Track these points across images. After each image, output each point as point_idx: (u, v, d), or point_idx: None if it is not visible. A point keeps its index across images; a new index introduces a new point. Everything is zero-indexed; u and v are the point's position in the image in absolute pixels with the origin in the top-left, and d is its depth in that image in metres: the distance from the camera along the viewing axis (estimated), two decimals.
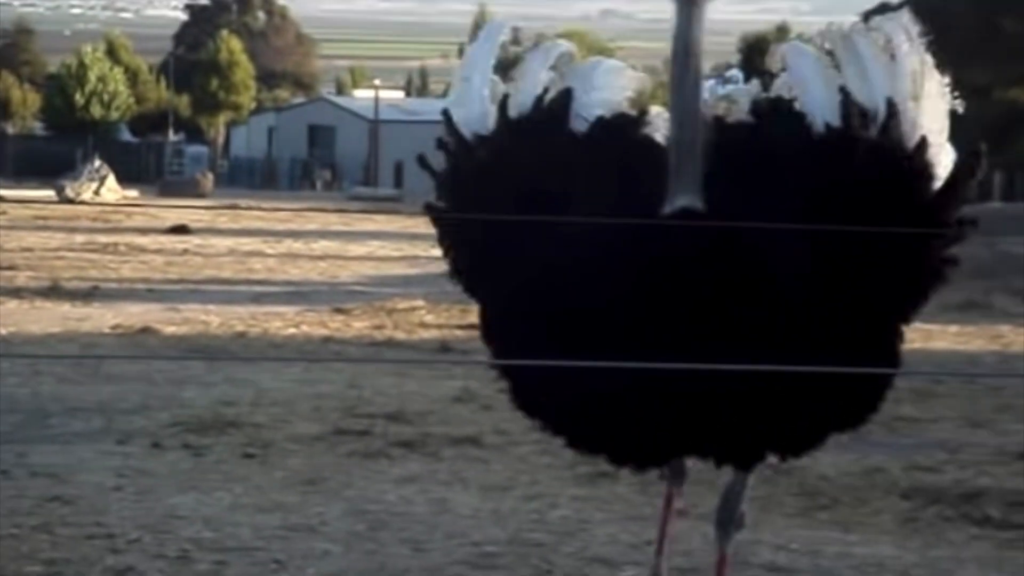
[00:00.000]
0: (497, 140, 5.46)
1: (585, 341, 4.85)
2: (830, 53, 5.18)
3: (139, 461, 8.60)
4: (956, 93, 5.24)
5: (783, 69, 5.30)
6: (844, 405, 5.02)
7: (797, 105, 5.17)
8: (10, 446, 8.85)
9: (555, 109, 5.44)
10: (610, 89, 5.59)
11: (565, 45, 5.77)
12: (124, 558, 6.50)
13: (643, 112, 5.41)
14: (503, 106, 5.48)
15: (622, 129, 5.38)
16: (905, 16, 5.22)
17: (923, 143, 5.00)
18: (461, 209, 5.43)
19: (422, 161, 5.74)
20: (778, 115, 5.20)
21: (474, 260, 5.42)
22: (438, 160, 5.64)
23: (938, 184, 5.04)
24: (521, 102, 5.48)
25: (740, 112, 5.27)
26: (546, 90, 5.50)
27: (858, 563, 6.72)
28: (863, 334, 4.92)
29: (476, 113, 5.54)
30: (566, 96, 5.44)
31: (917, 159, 5.00)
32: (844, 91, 5.04)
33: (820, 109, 5.07)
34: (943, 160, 5.12)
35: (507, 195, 5.23)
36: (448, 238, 5.58)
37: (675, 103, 4.87)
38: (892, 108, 5.01)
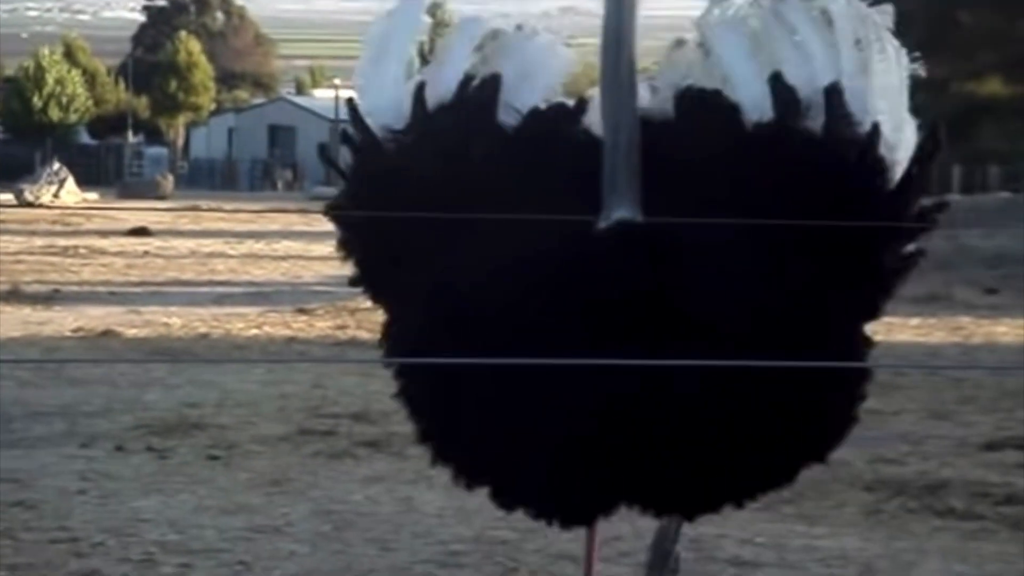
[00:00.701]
0: (411, 138, 4.67)
1: (507, 374, 4.16)
2: (759, 27, 4.57)
3: (103, 464, 8.57)
4: (913, 85, 4.65)
5: (705, 49, 4.63)
6: (807, 432, 4.42)
7: (726, 93, 4.51)
8: None
9: (480, 100, 4.65)
10: (546, 71, 4.80)
11: (493, 19, 4.89)
12: (88, 562, 6.47)
13: (582, 100, 4.59)
14: (419, 96, 4.66)
15: (558, 123, 4.61)
16: None
17: (875, 130, 4.41)
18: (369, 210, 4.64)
19: (323, 153, 4.99)
20: (704, 108, 4.52)
21: (382, 274, 4.70)
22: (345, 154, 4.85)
23: (896, 172, 4.46)
24: (441, 91, 4.69)
25: (663, 102, 4.58)
26: (469, 77, 4.69)
27: (823, 556, 6.75)
28: (821, 346, 4.31)
29: (388, 103, 4.73)
30: (493, 83, 4.66)
31: (869, 150, 4.42)
32: (776, 76, 4.43)
33: (751, 98, 4.45)
34: (905, 136, 4.53)
35: (421, 204, 4.44)
36: (352, 245, 4.79)
37: (607, 101, 4.25)
38: (835, 91, 4.42)
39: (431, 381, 4.43)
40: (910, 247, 4.59)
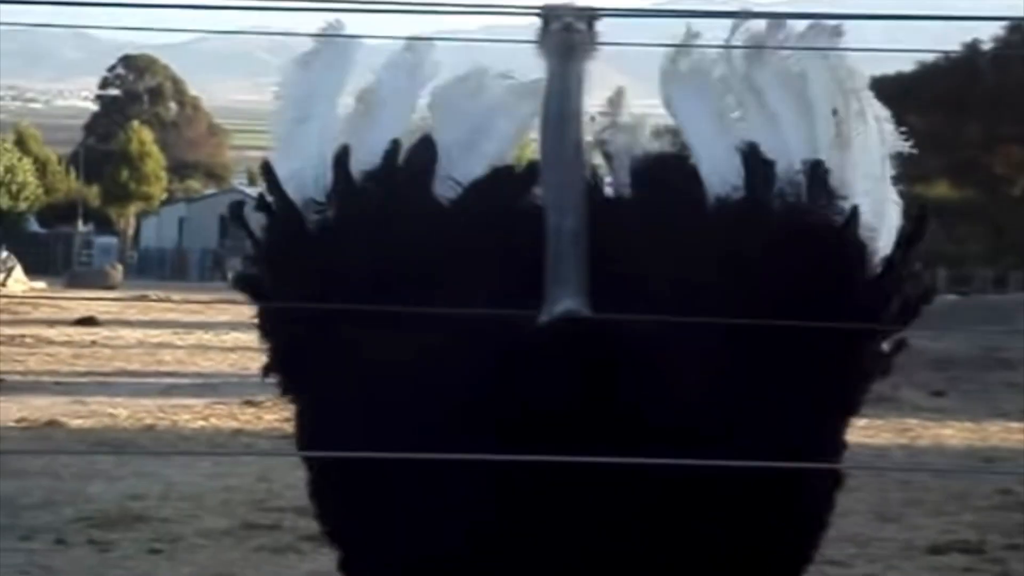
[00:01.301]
0: (334, 210, 4.17)
1: (430, 486, 3.75)
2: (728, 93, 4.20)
3: (43, 558, 8.49)
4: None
5: (671, 116, 4.25)
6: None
7: (689, 164, 4.13)
8: None
9: (413, 169, 4.17)
10: (494, 136, 4.32)
11: (433, 66, 4.34)
12: None
13: (534, 166, 4.08)
14: (341, 161, 4.17)
15: (502, 197, 4.15)
16: (820, 42, 4.13)
17: (854, 213, 4.00)
18: (283, 292, 4.21)
19: (236, 215, 4.39)
20: (664, 181, 4.17)
21: (295, 360, 4.24)
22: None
23: (876, 255, 4.06)
24: (369, 154, 4.20)
25: (619, 173, 4.22)
26: (395, 144, 4.16)
27: None
28: (786, 451, 3.86)
29: (310, 167, 4.23)
30: (428, 150, 4.19)
31: (846, 234, 4.02)
32: (746, 146, 4.03)
33: (717, 171, 4.06)
34: (887, 219, 4.16)
35: (345, 288, 4.01)
36: (267, 325, 4.33)
37: (550, 182, 3.79)
38: (811, 165, 4.02)
39: (353, 481, 3.98)
40: (891, 341, 4.22)
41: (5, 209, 73.67)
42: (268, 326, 4.34)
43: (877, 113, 4.23)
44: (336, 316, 4.01)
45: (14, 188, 74.74)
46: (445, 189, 4.18)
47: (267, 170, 4.30)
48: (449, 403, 3.77)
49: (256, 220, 4.36)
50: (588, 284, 3.69)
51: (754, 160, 4.02)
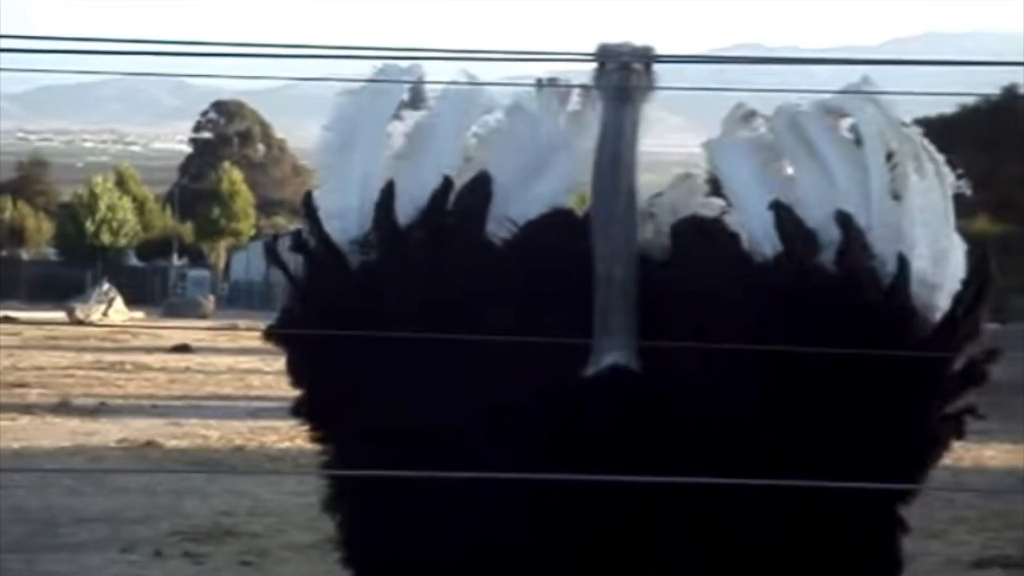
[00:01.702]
0: (378, 250, 3.72)
1: (478, 533, 3.49)
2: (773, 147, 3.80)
3: (142, 569, 8.54)
4: None
5: (713, 175, 3.90)
6: None
7: (730, 222, 3.76)
8: (20, 555, 8.78)
9: (466, 208, 3.71)
10: (555, 173, 3.82)
11: (490, 95, 3.88)
12: None
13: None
14: (386, 199, 3.70)
15: (561, 239, 3.68)
16: (870, 87, 3.71)
17: (904, 268, 3.55)
18: (321, 337, 3.79)
19: (271, 253, 3.99)
20: (704, 240, 3.75)
21: (334, 406, 3.92)
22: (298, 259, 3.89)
23: (935, 315, 3.61)
24: (418, 190, 3.74)
25: (659, 232, 3.81)
26: (447, 182, 3.66)
27: None
28: (841, 530, 3.60)
29: (352, 204, 3.76)
30: (481, 186, 3.71)
31: (897, 292, 3.57)
32: (778, 204, 3.59)
33: (761, 228, 3.64)
34: (950, 268, 3.70)
35: (386, 329, 3.60)
36: (303, 368, 4.01)
37: (601, 230, 3.43)
38: (850, 222, 3.56)
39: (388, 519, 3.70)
40: (954, 406, 3.82)
41: (107, 244, 74.42)
42: (303, 370, 3.99)
43: (934, 157, 3.83)
44: (377, 364, 3.66)
45: (115, 225, 75.51)
46: (500, 228, 3.77)
47: (308, 205, 3.85)
48: (497, 461, 3.45)
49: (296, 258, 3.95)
50: (637, 335, 3.38)
51: (788, 218, 3.64)
